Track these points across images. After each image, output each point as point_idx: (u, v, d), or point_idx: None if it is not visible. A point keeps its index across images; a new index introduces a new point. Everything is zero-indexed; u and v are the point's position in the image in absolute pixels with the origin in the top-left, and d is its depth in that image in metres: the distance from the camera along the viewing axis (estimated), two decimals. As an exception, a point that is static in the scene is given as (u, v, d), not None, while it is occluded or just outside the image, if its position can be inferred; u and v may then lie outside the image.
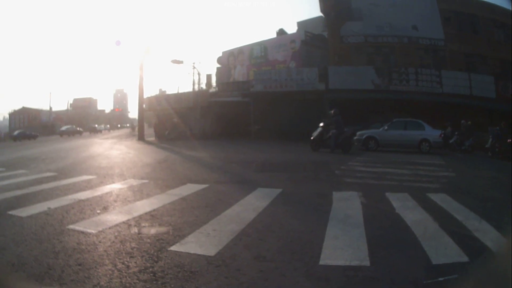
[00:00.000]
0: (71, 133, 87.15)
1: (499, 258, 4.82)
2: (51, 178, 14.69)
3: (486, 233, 7.32)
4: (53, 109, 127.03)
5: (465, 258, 5.97)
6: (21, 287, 5.00)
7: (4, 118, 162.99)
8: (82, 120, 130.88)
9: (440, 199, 10.72)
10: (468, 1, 45.80)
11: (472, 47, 44.88)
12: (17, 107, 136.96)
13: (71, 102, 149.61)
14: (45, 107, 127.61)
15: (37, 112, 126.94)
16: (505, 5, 48.84)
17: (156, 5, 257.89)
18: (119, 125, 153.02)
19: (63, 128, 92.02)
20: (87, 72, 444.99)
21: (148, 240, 6.87)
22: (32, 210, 9.23)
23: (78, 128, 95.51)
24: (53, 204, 9.89)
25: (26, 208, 9.47)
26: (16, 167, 18.75)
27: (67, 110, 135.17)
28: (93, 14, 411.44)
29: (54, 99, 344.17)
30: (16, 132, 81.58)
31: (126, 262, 5.77)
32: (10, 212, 9.01)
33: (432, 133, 28.28)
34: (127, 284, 5.02)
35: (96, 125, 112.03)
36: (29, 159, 23.72)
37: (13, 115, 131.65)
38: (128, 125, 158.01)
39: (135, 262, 5.78)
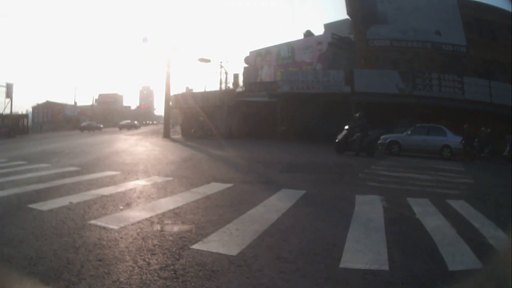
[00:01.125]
0: (129, 127, 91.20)
1: (503, 261, 4.82)
2: (74, 173, 14.76)
3: (500, 240, 7.33)
4: (78, 104, 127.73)
5: (479, 265, 5.97)
6: (39, 281, 5.00)
7: (27, 111, 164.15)
8: (107, 116, 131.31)
9: (459, 205, 10.73)
10: (487, 7, 45.59)
11: (492, 54, 44.69)
12: (41, 101, 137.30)
13: (96, 97, 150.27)
14: (69, 101, 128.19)
15: (61, 106, 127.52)
16: (506, 6, 48.59)
17: (185, 3, 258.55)
18: (144, 122, 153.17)
19: (123, 122, 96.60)
20: (113, 68, 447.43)
21: (170, 238, 6.87)
22: (53, 204, 9.26)
23: (135, 122, 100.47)
24: (75, 198, 9.91)
25: (47, 202, 9.51)
26: (38, 161, 18.83)
27: (92, 106, 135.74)
28: (120, 10, 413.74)
29: (79, 94, 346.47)
30: (84, 123, 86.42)
31: (147, 259, 5.77)
32: (30, 206, 9.04)
33: (454, 139, 28.38)
34: (147, 281, 5.01)
35: (136, 122, 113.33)
36: (52, 153, 23.85)
37: (36, 109, 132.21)
38: (155, 122, 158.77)
39: (156, 259, 5.77)
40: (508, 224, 8.47)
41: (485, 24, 45.70)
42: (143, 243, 6.53)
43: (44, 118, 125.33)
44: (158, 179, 13.57)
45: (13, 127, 65.77)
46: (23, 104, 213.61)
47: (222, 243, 6.65)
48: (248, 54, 67.80)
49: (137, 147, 29.55)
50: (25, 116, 77.26)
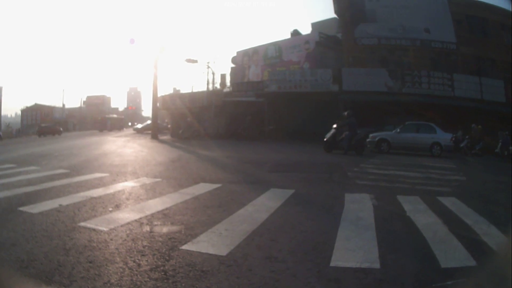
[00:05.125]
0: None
1: (502, 260, 4.84)
2: (63, 175, 14.69)
3: (494, 237, 7.34)
4: (66, 106, 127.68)
5: (473, 262, 5.98)
6: (30, 283, 5.00)
7: (16, 114, 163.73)
8: (95, 118, 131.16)
9: (450, 202, 10.71)
10: (478, 4, 45.89)
11: (483, 50, 44.96)
12: (30, 103, 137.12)
13: (84, 99, 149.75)
14: (58, 104, 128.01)
15: (50, 109, 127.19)
16: (505, 6, 48.87)
17: (171, 4, 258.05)
18: (130, 123, 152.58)
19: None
20: (101, 70, 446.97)
21: (160, 239, 6.86)
22: (43, 206, 9.23)
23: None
24: (64, 201, 9.89)
25: (37, 204, 9.47)
26: (27, 164, 18.73)
27: (80, 108, 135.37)
28: (107, 12, 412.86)
29: (67, 97, 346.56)
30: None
31: (137, 260, 5.77)
32: (21, 208, 9.01)
33: (444, 137, 28.53)
34: (138, 282, 5.01)
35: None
36: (41, 155, 23.72)
37: (25, 112, 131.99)
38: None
39: (146, 261, 5.77)
40: (501, 221, 8.50)
41: (476, 21, 46.00)
42: (133, 244, 6.53)
43: (33, 121, 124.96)
44: (147, 181, 13.55)
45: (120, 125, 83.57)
46: (12, 107, 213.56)
47: (211, 243, 6.66)
48: (235, 54, 67.77)
49: (125, 149, 29.44)
50: (122, 118, 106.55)
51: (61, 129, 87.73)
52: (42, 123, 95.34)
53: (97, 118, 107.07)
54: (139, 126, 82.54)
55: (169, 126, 79.06)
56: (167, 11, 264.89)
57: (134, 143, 37.25)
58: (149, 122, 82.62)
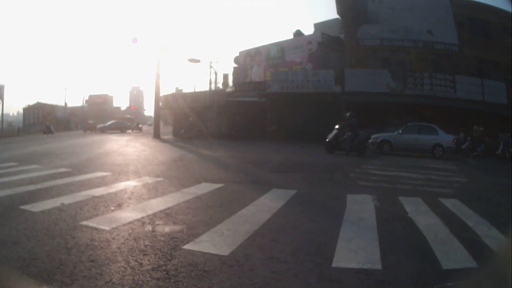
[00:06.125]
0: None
1: (502, 261, 4.83)
2: (65, 174, 14.70)
3: (495, 239, 7.32)
4: (68, 105, 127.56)
5: (473, 264, 6.00)
6: (31, 282, 4.99)
7: (18, 113, 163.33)
8: (97, 117, 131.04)
9: (451, 204, 10.72)
10: (480, 6, 45.78)
11: (485, 52, 44.90)
12: (32, 102, 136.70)
13: (87, 98, 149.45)
14: (60, 103, 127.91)
15: (52, 107, 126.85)
16: (505, 6, 48.80)
17: (173, 4, 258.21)
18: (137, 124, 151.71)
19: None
20: (103, 69, 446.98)
21: (162, 238, 6.87)
22: (45, 205, 9.23)
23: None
24: (66, 199, 9.88)
25: (39, 203, 9.47)
26: (29, 162, 18.73)
27: (82, 106, 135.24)
28: (110, 11, 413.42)
29: (69, 95, 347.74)
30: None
31: (139, 260, 5.78)
32: (22, 207, 9.01)
33: (445, 138, 28.50)
34: (140, 282, 5.02)
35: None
36: (43, 154, 23.70)
37: (27, 110, 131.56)
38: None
39: (148, 260, 5.78)
40: (502, 223, 8.49)
41: (479, 23, 45.88)
42: (135, 243, 6.54)
43: (35, 119, 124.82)
44: (149, 180, 13.56)
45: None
46: (14, 106, 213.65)
47: (213, 243, 6.67)
48: (237, 54, 67.74)
49: (128, 148, 29.46)
50: (134, 118, 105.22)
51: None
52: (89, 120, 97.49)
53: (116, 118, 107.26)
54: (104, 124, 76.89)
55: (140, 126, 77.82)
56: (170, 10, 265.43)
57: (136, 143, 37.13)
58: (113, 121, 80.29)
